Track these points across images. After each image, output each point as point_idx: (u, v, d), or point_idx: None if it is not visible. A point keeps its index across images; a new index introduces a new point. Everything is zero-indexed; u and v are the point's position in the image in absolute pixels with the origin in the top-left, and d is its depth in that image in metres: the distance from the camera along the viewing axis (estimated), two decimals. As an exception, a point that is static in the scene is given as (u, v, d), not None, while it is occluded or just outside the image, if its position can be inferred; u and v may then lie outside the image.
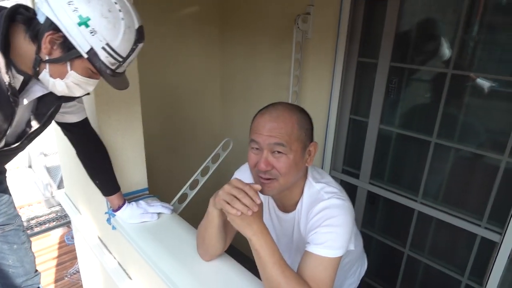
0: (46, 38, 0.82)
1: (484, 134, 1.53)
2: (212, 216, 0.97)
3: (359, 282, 1.34)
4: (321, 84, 1.95)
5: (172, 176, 2.32)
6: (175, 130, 2.57)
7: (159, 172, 2.22)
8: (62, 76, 0.88)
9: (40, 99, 0.98)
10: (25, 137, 1.03)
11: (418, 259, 1.85)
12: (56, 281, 3.03)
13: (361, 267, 1.33)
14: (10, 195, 1.30)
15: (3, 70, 0.83)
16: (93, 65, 0.85)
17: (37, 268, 1.42)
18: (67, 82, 0.89)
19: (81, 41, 0.81)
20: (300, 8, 1.91)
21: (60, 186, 3.88)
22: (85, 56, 0.83)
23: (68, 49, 0.83)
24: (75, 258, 3.15)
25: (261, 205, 0.89)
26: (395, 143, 1.82)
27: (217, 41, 2.55)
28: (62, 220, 3.28)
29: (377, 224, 2.04)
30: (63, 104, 1.08)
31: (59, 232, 3.48)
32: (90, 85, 0.93)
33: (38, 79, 0.91)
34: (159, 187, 1.78)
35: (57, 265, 3.21)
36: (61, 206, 3.38)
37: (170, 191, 1.70)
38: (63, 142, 1.75)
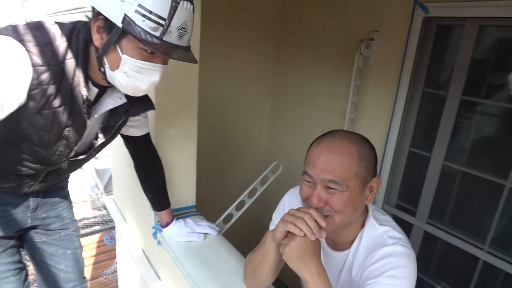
0: (94, 28, 0.81)
1: None
2: (269, 250, 0.91)
3: None
4: (380, 112, 1.85)
5: (217, 196, 2.31)
6: (223, 150, 2.57)
7: (205, 191, 2.21)
8: (117, 65, 0.83)
9: (110, 112, 1.00)
10: (94, 149, 1.05)
11: (478, 313, 1.66)
12: (92, 279, 3.08)
13: None
14: (70, 201, 1.34)
15: (82, 84, 0.84)
16: (134, 36, 0.77)
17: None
18: (126, 72, 0.83)
19: (114, 12, 0.76)
20: (364, 33, 1.84)
21: (106, 188, 4.02)
22: (120, 25, 0.77)
23: (110, 30, 0.80)
24: (112, 258, 3.21)
25: (319, 244, 0.82)
26: (461, 182, 1.67)
27: (272, 60, 2.54)
28: (107, 224, 3.38)
29: (431, 268, 1.87)
30: (130, 118, 1.09)
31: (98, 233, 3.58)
32: (151, 70, 0.85)
33: (110, 90, 0.91)
34: (204, 206, 1.76)
35: (94, 263, 3.28)
36: (106, 210, 3.49)
37: (214, 211, 1.67)
38: (119, 150, 1.80)
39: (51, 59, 0.82)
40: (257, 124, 2.67)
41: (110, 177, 3.38)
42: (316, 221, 0.78)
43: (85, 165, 4.16)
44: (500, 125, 1.56)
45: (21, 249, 1.23)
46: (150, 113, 1.31)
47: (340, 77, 2.02)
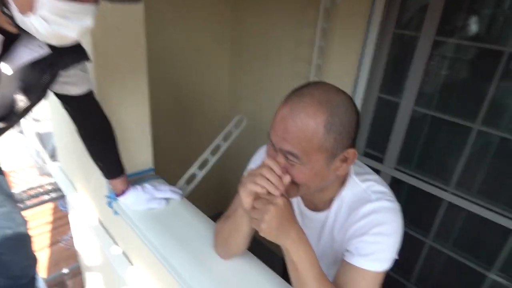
0: None
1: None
2: (241, 222, 0.82)
3: None
4: (348, 57, 1.73)
5: (179, 156, 2.15)
6: (180, 106, 2.35)
7: (165, 152, 2.04)
8: (30, 6, 0.62)
9: (31, 66, 0.78)
10: (15, 115, 0.83)
11: (441, 250, 1.73)
12: (51, 245, 2.96)
13: None
14: (2, 174, 1.13)
15: None
16: None
17: (31, 233, 1.26)
18: (43, 15, 0.63)
19: None
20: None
21: (54, 154, 3.69)
22: None
23: None
24: (69, 223, 3.06)
25: (291, 205, 0.73)
26: (430, 127, 1.64)
27: (230, 4, 2.28)
28: (59, 192, 3.12)
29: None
30: (62, 73, 0.88)
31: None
32: (80, 13, 0.66)
33: (25, 36, 0.70)
34: (165, 168, 1.61)
35: (52, 229, 3.14)
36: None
37: (176, 171, 1.54)
38: (58, 111, 1.56)
39: None
40: (216, 75, 2.46)
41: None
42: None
43: (26, 128, 3.75)
44: (471, 67, 1.51)
45: None
46: (90, 66, 1.09)
47: (306, 20, 1.85)
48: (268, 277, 0.96)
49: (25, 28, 0.67)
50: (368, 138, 1.86)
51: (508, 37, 1.32)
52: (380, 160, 1.82)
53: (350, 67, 1.73)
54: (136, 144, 1.34)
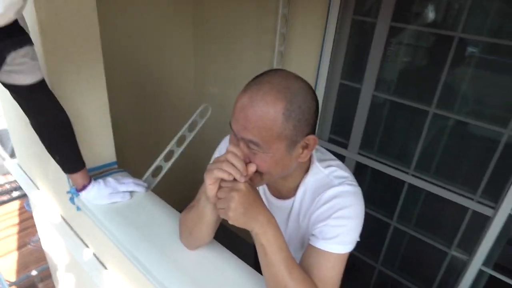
0: None
1: (487, 106, 1.44)
2: (204, 211, 0.81)
3: None
4: (310, 44, 1.75)
5: (143, 148, 2.10)
6: (143, 95, 2.29)
7: (128, 143, 2.00)
8: None
9: None
10: None
11: (404, 231, 1.81)
12: (19, 248, 2.85)
13: None
14: None
15: None
16: None
17: None
18: None
19: None
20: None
21: (13, 152, 3.52)
22: None
23: None
24: (38, 224, 2.96)
25: (256, 190, 0.74)
26: (389, 111, 1.70)
27: (191, -8, 2.24)
28: (21, 191, 2.99)
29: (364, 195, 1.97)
30: (7, 61, 0.83)
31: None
32: None
33: None
34: (128, 161, 1.58)
35: (19, 231, 3.03)
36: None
37: (141, 164, 1.50)
38: (11, 105, 1.48)
39: None
40: (179, 64, 2.41)
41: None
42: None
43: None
44: (427, 53, 1.57)
45: None
46: (38, 54, 1.04)
47: (268, 7, 1.85)
48: (237, 265, 0.96)
49: None
50: (332, 124, 1.90)
51: (459, 22, 1.38)
52: (345, 146, 1.87)
53: (312, 54, 1.75)
54: (96, 136, 1.30)
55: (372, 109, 1.70)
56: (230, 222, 0.71)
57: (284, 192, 0.89)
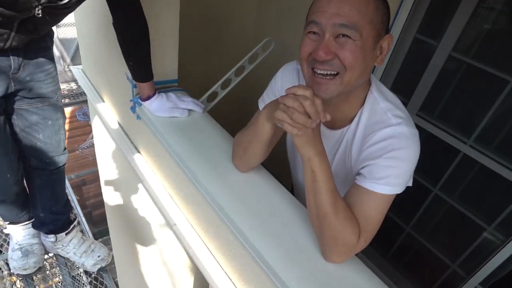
0: None
1: None
2: (262, 130, 0.82)
3: None
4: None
5: (202, 73, 2.11)
6: (209, 24, 2.26)
7: (187, 66, 2.01)
8: None
9: None
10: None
11: (445, 200, 1.77)
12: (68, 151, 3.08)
13: None
14: (55, 67, 1.16)
15: None
16: None
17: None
18: None
19: None
20: None
21: (74, 60, 3.68)
22: None
23: None
24: (86, 134, 3.14)
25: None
26: (462, 75, 1.58)
27: None
28: (77, 98, 3.17)
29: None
30: None
31: (69, 107, 3.40)
32: None
33: None
34: (186, 83, 1.60)
35: (68, 138, 3.22)
36: (76, 83, 3.24)
37: (197, 88, 1.53)
38: (85, 13, 1.52)
39: None
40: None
41: (77, 48, 3.05)
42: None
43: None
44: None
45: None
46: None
47: None
48: (279, 192, 0.99)
49: None
50: (395, 80, 1.80)
51: None
52: (404, 104, 1.78)
53: (392, 2, 1.62)
54: (163, 52, 1.32)
55: (444, 70, 1.59)
56: (293, 137, 0.70)
57: (339, 122, 0.85)
